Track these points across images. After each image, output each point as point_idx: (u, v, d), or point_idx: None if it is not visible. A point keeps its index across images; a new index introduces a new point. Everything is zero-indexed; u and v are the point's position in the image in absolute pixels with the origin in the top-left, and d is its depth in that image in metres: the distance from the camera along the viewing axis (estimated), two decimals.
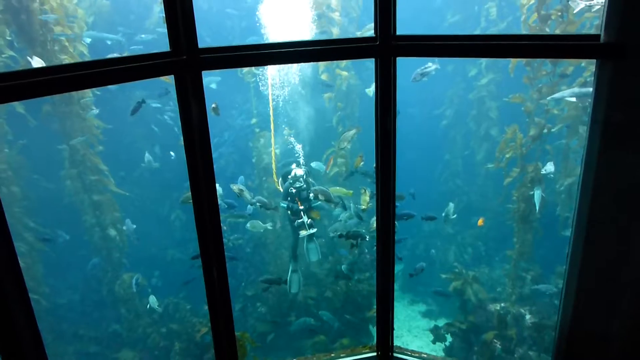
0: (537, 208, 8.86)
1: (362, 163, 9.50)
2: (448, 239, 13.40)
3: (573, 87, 8.62)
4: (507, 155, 9.30)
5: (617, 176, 3.01)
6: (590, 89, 8.16)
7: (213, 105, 8.59)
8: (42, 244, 9.83)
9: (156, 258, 10.98)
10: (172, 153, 11.58)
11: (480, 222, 11.41)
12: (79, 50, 9.04)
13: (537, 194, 8.79)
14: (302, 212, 8.97)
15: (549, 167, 8.60)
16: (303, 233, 9.02)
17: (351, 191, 9.65)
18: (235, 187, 9.15)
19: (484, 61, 13.08)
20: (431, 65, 9.19)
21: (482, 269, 11.74)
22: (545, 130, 8.93)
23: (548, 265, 9.87)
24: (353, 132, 9.47)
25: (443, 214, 10.34)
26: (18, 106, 9.17)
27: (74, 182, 9.66)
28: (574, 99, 8.35)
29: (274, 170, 9.78)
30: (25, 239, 9.39)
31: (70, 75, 2.56)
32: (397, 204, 9.38)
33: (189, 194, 9.19)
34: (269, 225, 9.72)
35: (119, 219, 10.14)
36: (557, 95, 8.33)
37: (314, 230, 9.04)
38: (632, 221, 3.05)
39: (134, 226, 10.37)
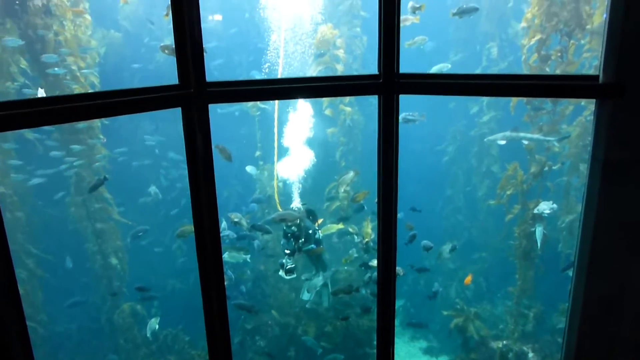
0: (539, 245, 8.85)
1: (362, 200, 9.51)
2: (450, 274, 13.30)
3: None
4: (508, 192, 9.34)
5: (617, 213, 3.04)
6: (522, 134, 8.84)
7: (220, 147, 8.67)
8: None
9: (156, 288, 10.93)
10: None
11: (467, 279, 11.32)
12: (90, 80, 9.25)
13: (539, 230, 8.80)
14: (288, 254, 8.94)
15: (543, 207, 8.63)
16: (280, 273, 8.99)
17: (341, 224, 9.65)
18: (232, 216, 9.20)
19: (485, 99, 13.26)
20: (416, 114, 9.52)
21: (484, 306, 11.61)
22: (546, 168, 8.99)
23: (550, 302, 9.78)
24: (352, 175, 9.52)
25: (438, 253, 10.40)
26: (28, 133, 9.32)
27: (78, 209, 9.72)
28: (504, 142, 9.45)
29: (278, 202, 9.81)
30: (27, 265, 9.38)
31: (79, 105, 2.62)
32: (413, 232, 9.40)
33: (185, 227, 9.21)
34: (248, 257, 9.71)
35: (120, 247, 10.15)
36: (491, 137, 9.56)
37: (292, 276, 8.97)
38: (633, 258, 3.07)
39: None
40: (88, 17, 9.46)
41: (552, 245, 9.91)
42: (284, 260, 8.89)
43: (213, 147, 3.07)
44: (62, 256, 10.68)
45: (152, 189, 11.47)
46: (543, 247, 8.98)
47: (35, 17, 8.53)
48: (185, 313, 10.71)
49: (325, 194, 10.95)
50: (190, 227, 9.15)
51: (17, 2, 8.40)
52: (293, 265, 8.81)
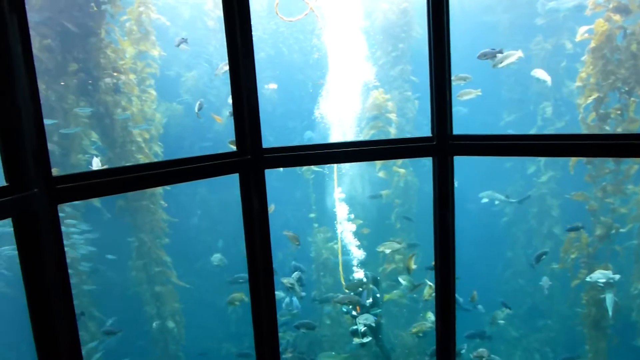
0: (610, 313, 8.25)
1: (414, 266, 9.27)
2: (513, 343, 12.54)
3: None
4: (573, 256, 8.87)
5: None
6: (496, 194, 11.04)
7: (290, 234, 8.98)
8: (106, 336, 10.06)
9: (210, 351, 10.90)
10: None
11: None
12: (154, 150, 9.82)
13: (609, 297, 8.22)
14: (356, 319, 8.73)
15: (597, 275, 8.11)
16: (356, 340, 8.72)
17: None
18: (285, 281, 9.18)
19: (542, 158, 12.97)
20: None
21: None
22: (613, 231, 8.53)
23: None
24: (397, 247, 9.42)
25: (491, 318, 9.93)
26: (95, 201, 9.84)
27: (139, 273, 10.00)
28: (487, 200, 12.29)
29: (341, 266, 9.73)
30: (89, 328, 9.60)
31: (143, 174, 2.78)
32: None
33: (235, 295, 9.30)
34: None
35: (178, 310, 10.28)
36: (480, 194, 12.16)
37: (367, 340, 8.70)
38: None
39: None
40: (153, 92, 10.20)
41: (625, 314, 9.21)
42: (355, 328, 8.69)
43: (270, 213, 3.15)
44: (123, 320, 10.88)
45: (217, 256, 11.52)
46: (615, 316, 8.36)
47: (106, 95, 9.23)
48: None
49: (379, 258, 10.81)
50: (239, 295, 9.28)
51: (89, 82, 9.13)
52: (366, 328, 8.63)
